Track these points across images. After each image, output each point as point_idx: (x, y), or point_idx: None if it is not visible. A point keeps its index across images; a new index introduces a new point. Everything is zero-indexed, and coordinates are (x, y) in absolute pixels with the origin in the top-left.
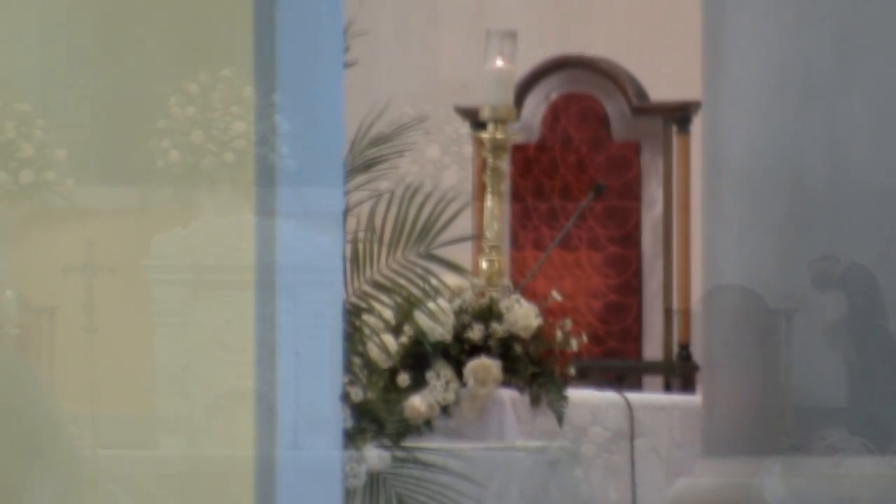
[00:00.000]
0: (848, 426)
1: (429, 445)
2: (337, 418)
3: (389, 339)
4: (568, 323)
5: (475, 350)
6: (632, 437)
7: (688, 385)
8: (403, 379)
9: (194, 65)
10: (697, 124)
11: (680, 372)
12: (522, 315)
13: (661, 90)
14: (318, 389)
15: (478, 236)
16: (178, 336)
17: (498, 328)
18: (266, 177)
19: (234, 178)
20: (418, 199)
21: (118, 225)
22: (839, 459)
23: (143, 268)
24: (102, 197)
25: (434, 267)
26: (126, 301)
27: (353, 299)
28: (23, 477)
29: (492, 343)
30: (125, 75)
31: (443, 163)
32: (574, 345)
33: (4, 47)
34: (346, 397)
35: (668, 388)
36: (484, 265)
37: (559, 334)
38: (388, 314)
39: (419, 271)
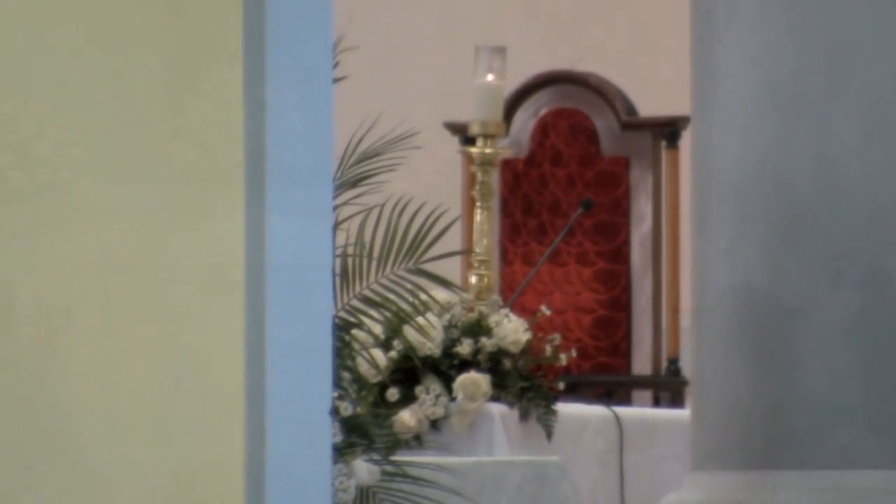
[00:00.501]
0: (861, 428)
1: (418, 460)
2: (326, 432)
3: (379, 354)
4: (557, 338)
5: (464, 365)
6: (621, 452)
7: (677, 399)
8: (393, 393)
9: (207, 64)
10: (686, 139)
11: (669, 386)
12: (512, 330)
13: (650, 105)
14: (307, 404)
15: (467, 251)
16: (189, 337)
17: (487, 343)
18: (257, 193)
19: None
20: (408, 213)
21: (134, 224)
22: (846, 471)
23: (158, 268)
24: (118, 197)
25: (423, 282)
26: (140, 301)
27: (343, 314)
28: (34, 477)
29: (481, 358)
30: (140, 74)
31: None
32: (563, 359)
33: (18, 44)
34: (335, 412)
35: (657, 402)
36: (473, 280)
37: (548, 349)
38: (378, 329)
39: (408, 286)
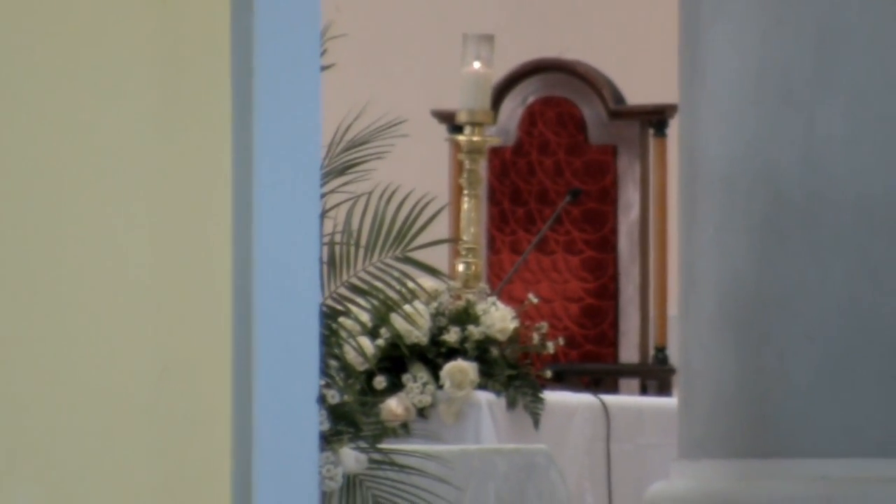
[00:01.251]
0: (849, 417)
1: (406, 448)
2: (313, 420)
3: (366, 342)
4: (544, 326)
5: (452, 353)
6: (608, 440)
7: (664, 388)
8: (380, 381)
9: (195, 53)
10: (674, 127)
11: (656, 375)
12: (499, 318)
13: (637, 93)
14: (294, 392)
15: (455, 239)
16: (176, 325)
17: (474, 331)
18: (244, 181)
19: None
20: (395, 201)
21: (120, 214)
22: (833, 459)
23: (144, 257)
24: (104, 187)
25: (411, 270)
26: (126, 290)
27: (330, 302)
28: (21, 472)
29: (468, 346)
30: (127, 65)
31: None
32: (550, 348)
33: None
34: (322, 400)
35: (644, 391)
36: (461, 268)
37: (536, 338)
38: (365, 317)
39: (396, 274)
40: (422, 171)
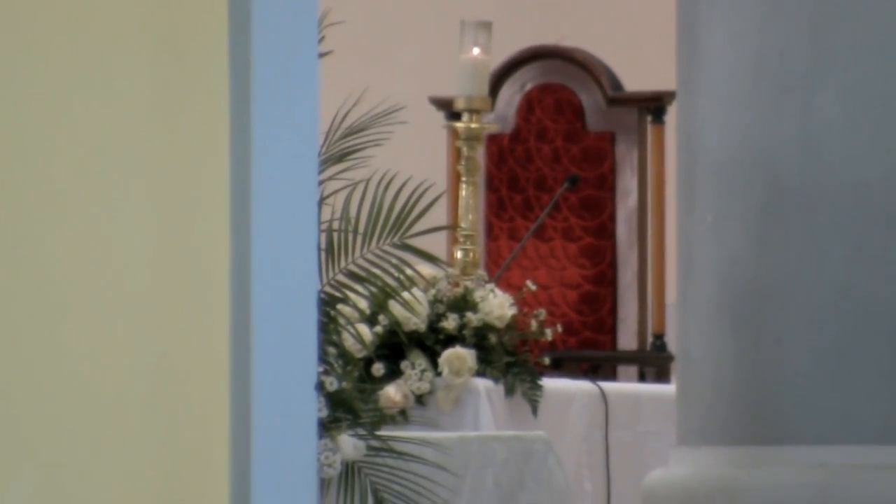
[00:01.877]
0: (846, 403)
1: (404, 435)
2: (312, 407)
3: (364, 329)
4: (543, 313)
5: (450, 340)
6: (606, 427)
7: (662, 375)
8: (378, 369)
9: (192, 40)
10: (672, 114)
11: (654, 362)
12: (497, 305)
13: (635, 80)
14: (292, 379)
15: (453, 226)
16: (174, 312)
17: (472, 318)
18: (242, 168)
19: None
20: (393, 188)
21: (118, 203)
22: (831, 446)
23: (142, 244)
24: (100, 177)
25: (409, 257)
26: (125, 278)
27: (328, 289)
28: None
29: (466, 333)
30: (125, 53)
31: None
32: (549, 335)
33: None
34: (320, 387)
35: (642, 377)
36: (459, 255)
37: (534, 324)
38: (363, 304)
39: (394, 261)
40: (420, 158)
